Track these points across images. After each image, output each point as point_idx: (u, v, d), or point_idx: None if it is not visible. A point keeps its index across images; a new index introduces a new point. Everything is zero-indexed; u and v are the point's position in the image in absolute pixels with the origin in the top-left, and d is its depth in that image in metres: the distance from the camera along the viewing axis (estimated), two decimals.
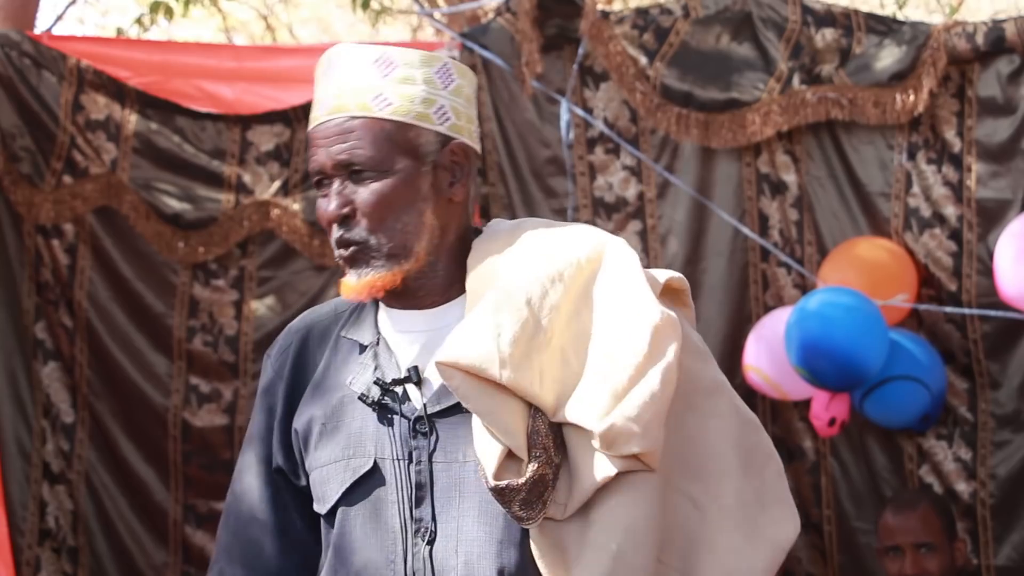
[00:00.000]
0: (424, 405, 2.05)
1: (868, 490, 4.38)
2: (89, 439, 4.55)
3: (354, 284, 2.07)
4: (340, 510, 2.08)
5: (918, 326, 4.29)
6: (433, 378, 2.06)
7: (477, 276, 2.07)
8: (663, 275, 2.10)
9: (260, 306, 4.63)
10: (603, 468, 1.94)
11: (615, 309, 2.01)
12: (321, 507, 2.12)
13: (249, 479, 2.20)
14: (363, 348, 2.13)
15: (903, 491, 4.25)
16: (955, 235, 4.26)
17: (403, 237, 2.06)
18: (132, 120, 4.55)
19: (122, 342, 4.56)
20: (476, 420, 1.98)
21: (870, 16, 4.43)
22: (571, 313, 2.00)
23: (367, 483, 2.07)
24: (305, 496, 2.16)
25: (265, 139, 4.61)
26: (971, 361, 4.25)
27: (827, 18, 4.34)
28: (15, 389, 4.47)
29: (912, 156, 4.30)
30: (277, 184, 4.59)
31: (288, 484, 2.18)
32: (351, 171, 2.05)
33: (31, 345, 4.51)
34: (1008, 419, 4.24)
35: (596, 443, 1.93)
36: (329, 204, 2.07)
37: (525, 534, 1.98)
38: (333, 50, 2.13)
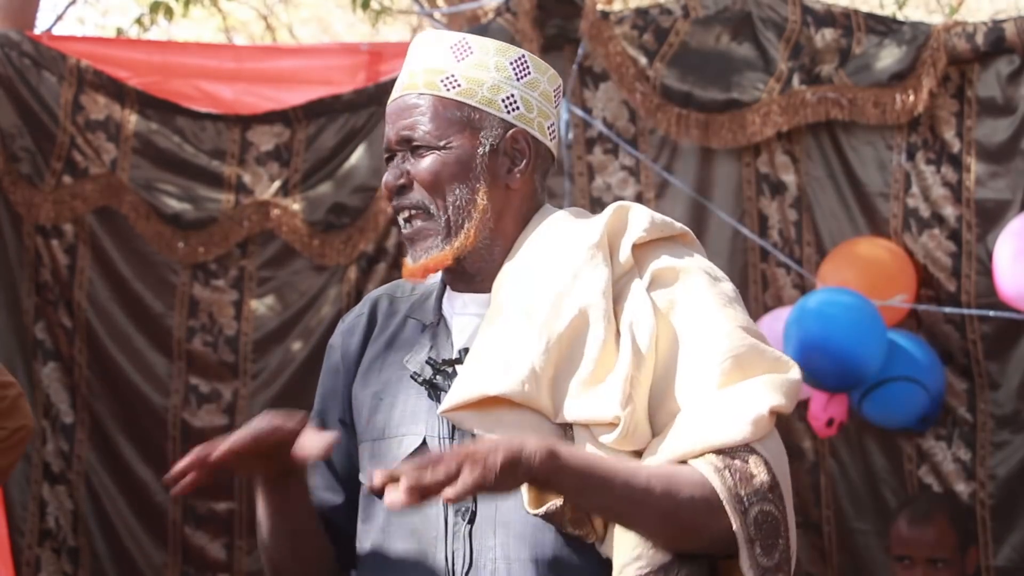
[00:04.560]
0: None
1: (867, 491, 4.37)
2: (89, 439, 4.55)
3: (411, 266, 2.14)
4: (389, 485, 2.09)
5: (917, 326, 4.29)
6: None
7: (496, 287, 2.10)
8: (635, 234, 2.09)
9: (260, 306, 4.63)
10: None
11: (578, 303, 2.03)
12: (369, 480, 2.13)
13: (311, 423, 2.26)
14: (425, 328, 2.17)
15: (920, 499, 4.16)
16: (954, 235, 4.26)
17: (455, 210, 2.11)
18: (132, 120, 4.55)
19: (121, 342, 4.55)
20: None
21: (870, 16, 4.43)
22: (553, 314, 2.02)
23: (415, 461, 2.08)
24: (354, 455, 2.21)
25: (265, 139, 4.61)
26: (970, 361, 4.25)
27: (827, 18, 4.34)
28: None
29: (911, 156, 4.30)
30: (277, 184, 4.59)
31: (350, 437, 2.21)
32: (412, 146, 2.13)
33: (31, 345, 4.51)
34: (1007, 420, 4.23)
35: (613, 436, 1.94)
36: (388, 176, 2.15)
37: None
38: (419, 35, 2.22)
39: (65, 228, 4.53)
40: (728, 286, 2.12)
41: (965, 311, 4.20)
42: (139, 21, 6.91)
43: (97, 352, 4.55)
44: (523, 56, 2.16)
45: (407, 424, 2.11)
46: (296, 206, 4.57)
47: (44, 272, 4.52)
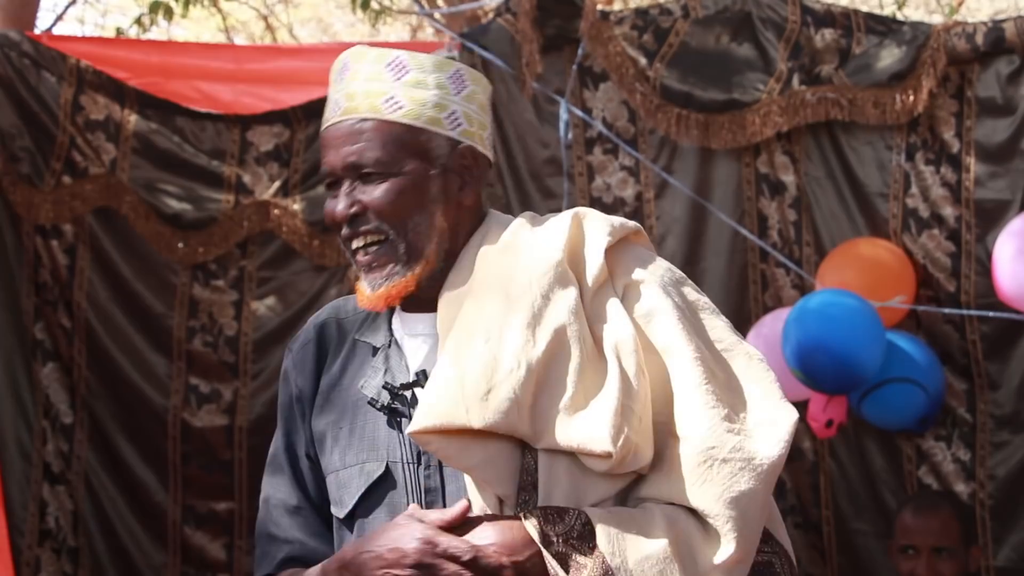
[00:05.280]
0: None
1: (867, 491, 4.37)
2: (88, 440, 4.55)
3: (370, 295, 2.08)
4: (358, 513, 2.09)
5: (916, 327, 4.29)
6: None
7: (447, 301, 2.06)
8: (602, 242, 2.06)
9: (260, 306, 4.63)
10: (604, 489, 1.96)
11: (558, 325, 1.99)
12: (339, 511, 2.13)
13: (279, 464, 2.22)
14: (376, 351, 2.14)
15: (926, 492, 4.24)
16: (953, 236, 4.26)
17: (415, 237, 2.07)
18: (132, 120, 4.55)
19: (121, 343, 4.55)
20: (466, 477, 1.98)
21: (870, 16, 4.43)
22: (527, 338, 1.98)
23: (381, 487, 2.08)
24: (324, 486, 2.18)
25: (265, 139, 4.61)
26: (970, 362, 4.25)
27: (827, 18, 4.34)
28: (15, 389, 4.47)
29: (911, 157, 4.30)
30: (277, 184, 4.59)
31: (317, 469, 2.19)
32: (360, 173, 2.07)
33: (30, 345, 4.50)
34: (1007, 420, 4.23)
35: (606, 467, 1.93)
36: (338, 205, 2.09)
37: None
38: (348, 52, 2.15)
39: (65, 228, 4.53)
40: (690, 290, 2.09)
41: (964, 312, 4.20)
42: (139, 21, 6.91)
43: (97, 352, 4.55)
44: (458, 70, 2.13)
45: (367, 451, 2.09)
46: (296, 206, 4.57)
47: (44, 272, 4.52)
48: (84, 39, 6.80)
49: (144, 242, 4.54)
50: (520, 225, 2.12)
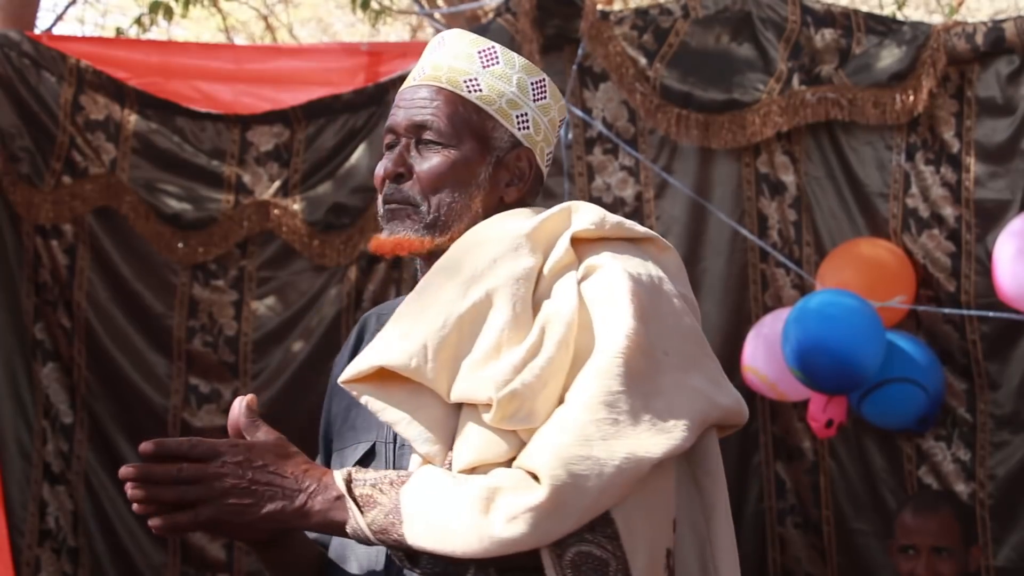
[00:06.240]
0: None
1: (867, 491, 4.37)
2: (88, 440, 4.55)
3: (383, 238, 2.14)
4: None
5: (916, 327, 4.29)
6: None
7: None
8: (577, 227, 2.05)
9: (260, 306, 4.63)
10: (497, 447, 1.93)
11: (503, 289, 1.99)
12: None
13: (318, 450, 2.28)
14: None
15: (926, 492, 4.25)
16: (953, 236, 4.26)
17: (448, 211, 2.11)
18: (132, 120, 4.55)
19: (121, 343, 4.55)
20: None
21: (870, 16, 4.43)
22: (459, 294, 1.99)
23: (367, 465, 2.09)
24: None
25: (264, 139, 4.61)
26: (970, 362, 4.25)
27: (827, 18, 4.34)
28: (15, 389, 4.47)
29: (911, 156, 4.30)
30: (277, 184, 4.59)
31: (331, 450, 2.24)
32: (420, 137, 2.13)
33: (30, 345, 4.50)
34: (1007, 420, 4.23)
35: (488, 416, 1.91)
36: (387, 163, 2.14)
37: None
38: (449, 31, 2.23)
39: (65, 228, 4.53)
40: (650, 295, 2.00)
41: (964, 312, 4.20)
42: (139, 21, 6.92)
43: (97, 352, 4.55)
44: (543, 79, 2.19)
45: (362, 431, 2.12)
46: (296, 206, 4.57)
47: (44, 272, 4.52)
48: (84, 39, 6.80)
49: (144, 242, 4.54)
50: (519, 210, 2.14)
